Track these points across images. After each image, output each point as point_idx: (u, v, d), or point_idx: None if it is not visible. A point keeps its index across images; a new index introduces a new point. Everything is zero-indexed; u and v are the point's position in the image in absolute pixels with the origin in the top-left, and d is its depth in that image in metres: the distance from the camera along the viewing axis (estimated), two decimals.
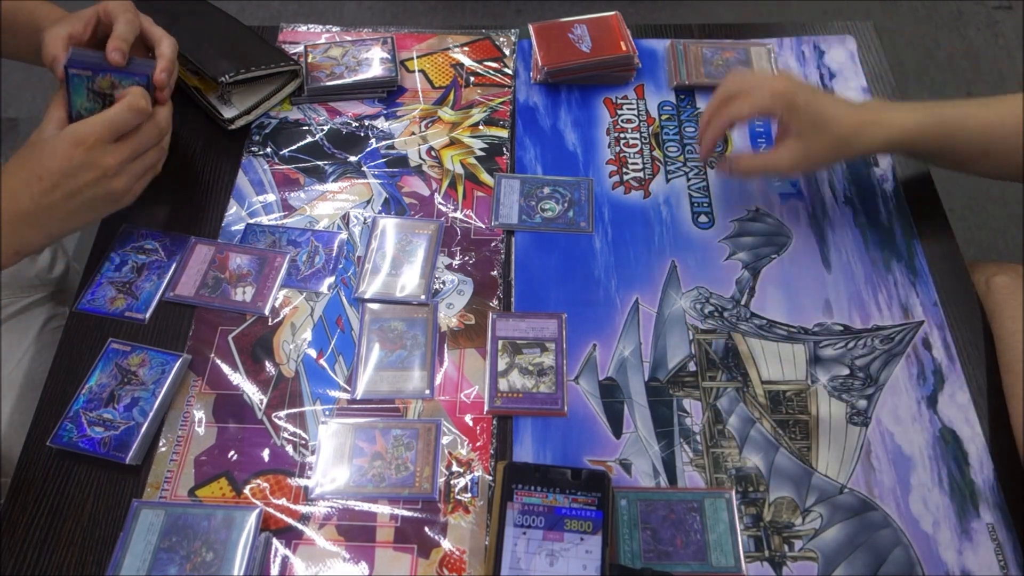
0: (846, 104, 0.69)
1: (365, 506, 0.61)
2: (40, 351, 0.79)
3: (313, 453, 0.63)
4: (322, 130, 0.83)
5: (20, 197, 0.63)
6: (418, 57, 0.90)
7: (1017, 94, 0.68)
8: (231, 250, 0.74)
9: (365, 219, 0.77)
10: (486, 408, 0.65)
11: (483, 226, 0.76)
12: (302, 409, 0.65)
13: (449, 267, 0.73)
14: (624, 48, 0.86)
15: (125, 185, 0.67)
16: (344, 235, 0.75)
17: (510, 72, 0.89)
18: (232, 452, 0.63)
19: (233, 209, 0.77)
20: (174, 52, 0.71)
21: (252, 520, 0.58)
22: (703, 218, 0.77)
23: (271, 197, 0.78)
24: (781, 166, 0.69)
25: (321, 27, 0.92)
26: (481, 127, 0.84)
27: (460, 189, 0.79)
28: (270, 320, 0.70)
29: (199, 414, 0.65)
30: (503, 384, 0.66)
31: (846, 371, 0.67)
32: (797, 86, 0.68)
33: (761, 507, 0.61)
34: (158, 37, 0.71)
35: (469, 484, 0.62)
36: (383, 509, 0.60)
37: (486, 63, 0.89)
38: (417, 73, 0.88)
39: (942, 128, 0.67)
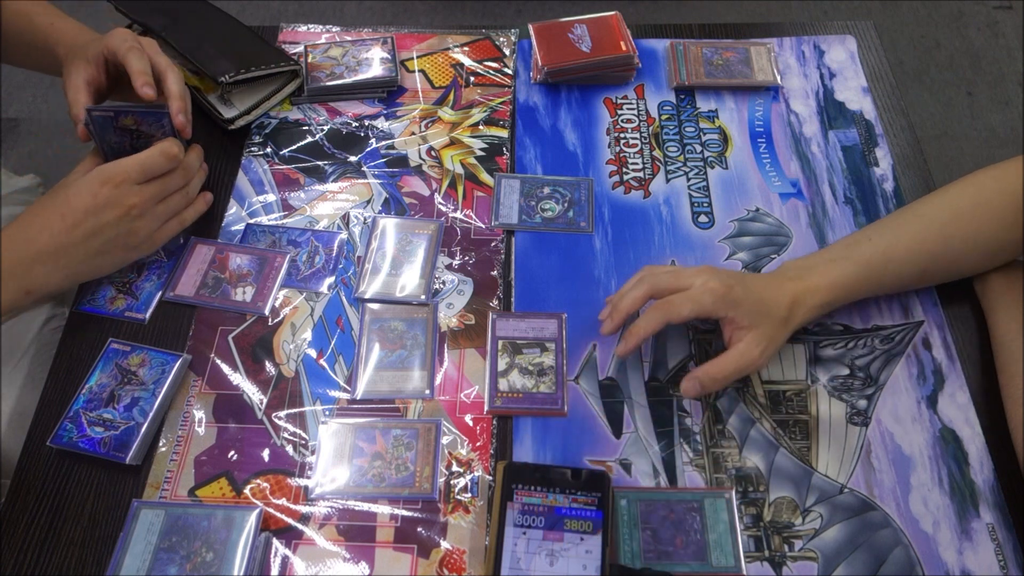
0: (772, 280, 0.64)
1: (365, 506, 0.61)
2: (40, 351, 0.79)
3: (313, 453, 0.63)
4: (322, 130, 0.83)
5: (40, 236, 0.64)
6: (418, 57, 0.90)
7: (914, 208, 0.67)
8: (231, 250, 0.74)
9: (365, 219, 0.77)
10: (486, 408, 0.65)
11: (483, 226, 0.76)
12: (302, 409, 0.65)
13: (449, 267, 0.73)
14: (624, 48, 0.86)
15: (148, 228, 0.68)
16: (344, 235, 0.75)
17: (510, 72, 0.89)
18: (232, 452, 0.63)
19: (233, 209, 0.77)
20: (182, 86, 0.72)
21: (252, 520, 0.58)
22: (703, 218, 0.77)
23: (271, 197, 0.78)
24: (753, 360, 0.61)
25: (321, 27, 0.92)
26: (481, 127, 0.84)
27: (460, 189, 0.79)
28: (270, 320, 0.70)
29: (199, 414, 0.65)
30: (503, 384, 0.66)
31: (846, 371, 0.67)
32: (729, 280, 0.61)
33: (761, 507, 0.61)
34: (163, 69, 0.71)
35: (469, 484, 0.62)
36: (383, 509, 0.60)
37: (486, 63, 0.89)
38: (417, 73, 0.88)
39: (869, 271, 0.65)
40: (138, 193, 0.66)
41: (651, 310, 0.62)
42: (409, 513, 0.60)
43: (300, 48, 0.88)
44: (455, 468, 0.62)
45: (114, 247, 0.67)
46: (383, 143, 0.82)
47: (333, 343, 0.69)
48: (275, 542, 0.59)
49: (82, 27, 0.78)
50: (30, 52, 0.79)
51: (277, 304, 0.71)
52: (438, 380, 0.67)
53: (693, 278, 0.62)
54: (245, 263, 0.73)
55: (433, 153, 0.82)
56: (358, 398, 0.66)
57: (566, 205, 0.78)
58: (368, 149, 0.82)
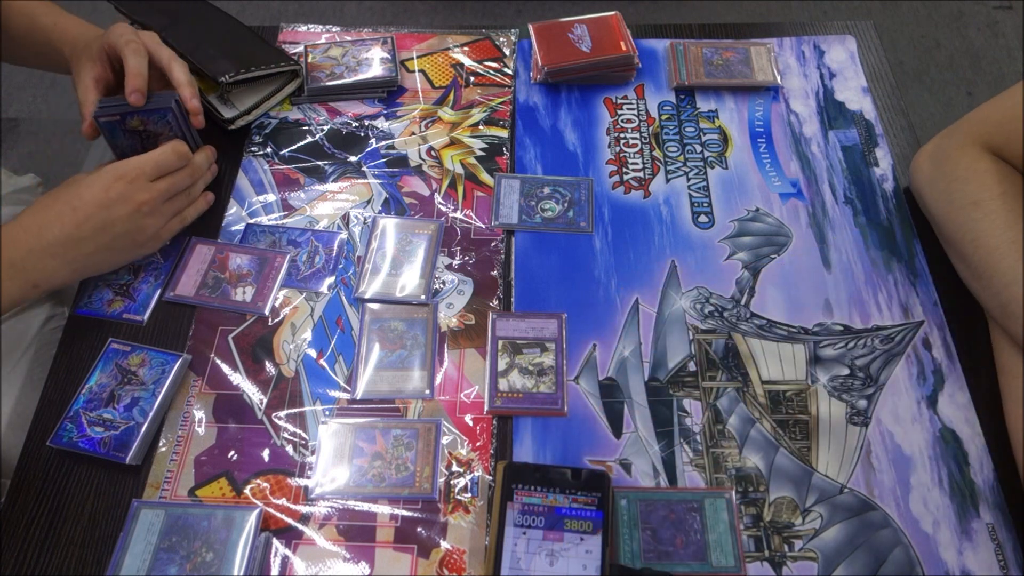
0: None
1: (365, 506, 0.61)
2: (40, 351, 0.79)
3: (313, 453, 0.63)
4: (322, 130, 0.83)
5: (50, 228, 0.64)
6: (418, 57, 0.90)
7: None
8: (231, 250, 0.74)
9: (365, 219, 0.77)
10: (486, 408, 0.65)
11: (483, 226, 0.76)
12: (302, 409, 0.65)
13: (449, 267, 0.73)
14: (624, 48, 0.86)
15: (155, 225, 0.69)
16: (344, 235, 0.75)
17: (510, 72, 0.89)
18: (232, 452, 0.63)
19: (233, 209, 0.77)
20: (188, 75, 0.73)
21: (252, 520, 0.58)
22: (703, 218, 0.77)
23: (271, 197, 0.78)
24: None
25: (321, 27, 0.92)
26: (481, 127, 0.84)
27: (460, 189, 0.79)
28: (270, 320, 0.70)
29: (199, 414, 0.65)
30: (503, 384, 0.66)
31: (846, 371, 0.67)
32: None
33: (761, 507, 0.61)
34: (167, 61, 0.73)
35: (469, 484, 0.62)
36: (383, 509, 0.60)
37: (486, 63, 0.89)
38: (417, 73, 0.88)
39: None
40: (149, 190, 0.67)
41: None
42: (409, 513, 0.60)
43: (300, 48, 0.88)
44: (455, 468, 0.62)
45: (122, 243, 0.67)
46: (383, 143, 0.82)
47: (333, 343, 0.69)
48: (275, 542, 0.59)
49: (85, 24, 0.78)
50: (36, 52, 0.80)
51: (277, 304, 0.71)
52: (438, 380, 0.67)
53: None
54: (245, 263, 0.73)
55: (433, 153, 0.82)
56: (358, 398, 0.66)
57: (566, 205, 0.78)
58: (368, 149, 0.82)
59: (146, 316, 0.70)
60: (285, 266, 0.73)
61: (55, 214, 0.64)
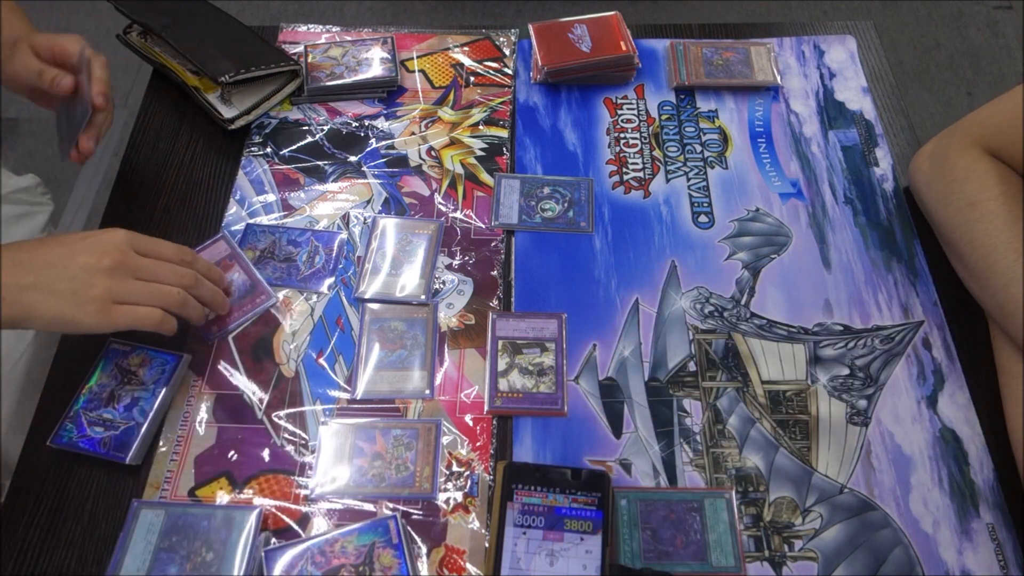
0: None
1: (365, 506, 0.60)
2: (40, 351, 0.79)
3: (313, 453, 0.63)
4: (322, 130, 0.83)
5: (17, 246, 0.59)
6: (418, 57, 0.90)
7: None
8: (239, 262, 0.72)
9: (365, 219, 0.77)
10: (486, 408, 0.65)
11: (483, 226, 0.76)
12: (302, 409, 0.65)
13: (449, 267, 0.73)
14: (624, 48, 0.86)
15: (108, 288, 0.59)
16: (344, 235, 0.75)
17: (510, 72, 0.89)
18: (232, 452, 0.63)
19: (233, 209, 0.77)
20: (107, 72, 0.72)
21: (252, 520, 0.58)
22: (703, 218, 0.77)
23: (271, 197, 0.78)
24: None
25: (321, 27, 0.92)
26: (481, 127, 0.84)
27: (460, 189, 0.79)
28: (270, 320, 0.70)
29: (199, 414, 0.65)
30: (503, 384, 0.66)
31: (846, 371, 0.67)
32: None
33: (761, 507, 0.61)
34: (86, 58, 0.71)
35: (469, 484, 0.62)
36: (383, 509, 0.60)
37: (486, 63, 0.89)
38: (417, 73, 0.88)
39: None
40: (128, 256, 0.61)
41: None
42: (409, 513, 0.60)
43: (300, 48, 0.88)
44: (455, 468, 0.62)
45: (61, 287, 0.59)
46: (383, 143, 0.82)
47: (333, 343, 0.69)
48: (275, 542, 0.59)
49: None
50: None
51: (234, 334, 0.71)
52: (438, 380, 0.67)
53: None
54: (239, 283, 0.71)
55: (433, 153, 0.82)
56: (358, 398, 0.66)
57: (566, 205, 0.78)
58: (368, 149, 0.82)
59: None
60: (261, 308, 0.70)
61: (37, 241, 0.60)
